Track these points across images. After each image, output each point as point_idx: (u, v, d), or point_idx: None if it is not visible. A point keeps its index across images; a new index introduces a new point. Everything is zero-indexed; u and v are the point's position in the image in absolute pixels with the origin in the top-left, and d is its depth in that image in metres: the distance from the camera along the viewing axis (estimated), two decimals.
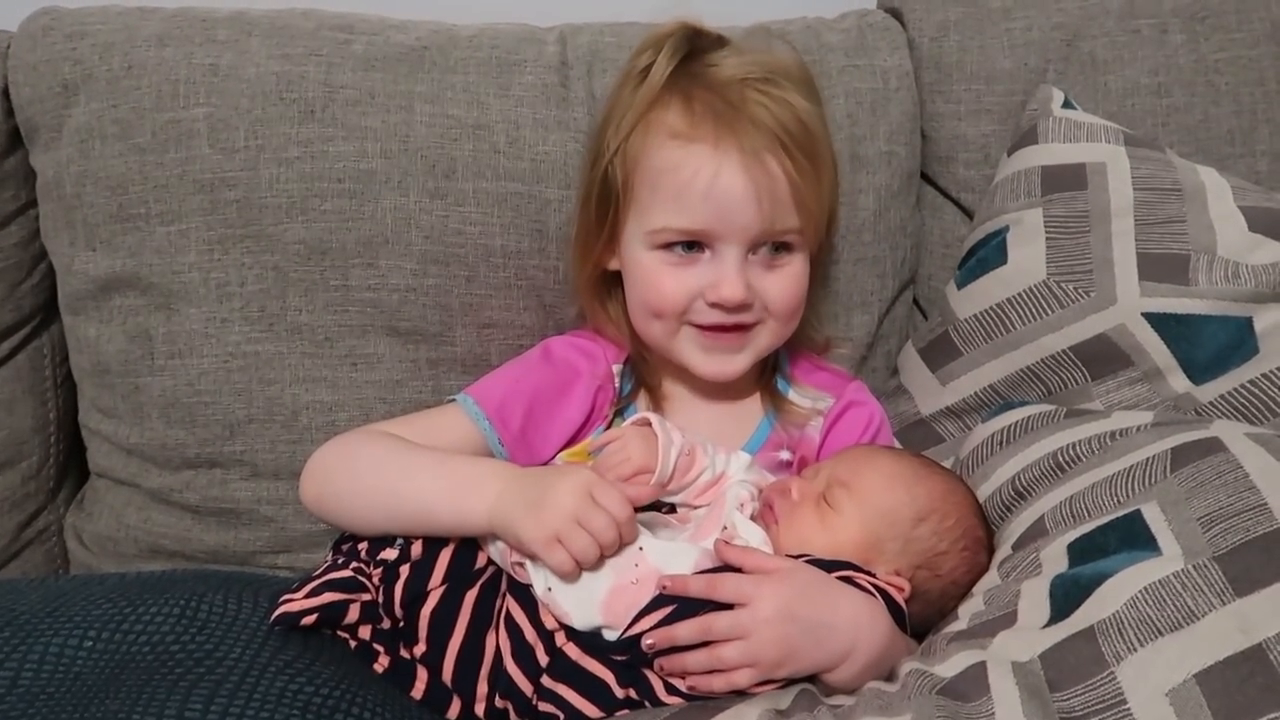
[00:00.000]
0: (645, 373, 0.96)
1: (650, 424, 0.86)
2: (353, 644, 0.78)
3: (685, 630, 0.73)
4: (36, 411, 1.09)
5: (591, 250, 0.94)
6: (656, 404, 0.95)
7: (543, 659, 0.76)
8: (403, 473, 0.83)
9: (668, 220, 0.87)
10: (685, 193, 0.85)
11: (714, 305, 0.87)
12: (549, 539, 0.74)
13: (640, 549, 0.77)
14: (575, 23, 1.10)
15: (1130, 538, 0.71)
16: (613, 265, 0.94)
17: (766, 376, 0.97)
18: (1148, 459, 0.78)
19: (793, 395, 0.97)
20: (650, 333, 0.92)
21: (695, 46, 0.90)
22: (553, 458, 0.92)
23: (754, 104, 0.85)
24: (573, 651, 0.76)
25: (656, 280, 0.89)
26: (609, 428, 0.93)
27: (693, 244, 0.88)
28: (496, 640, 0.78)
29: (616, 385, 0.94)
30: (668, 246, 0.88)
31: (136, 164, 0.99)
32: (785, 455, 0.95)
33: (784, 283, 0.89)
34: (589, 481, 0.76)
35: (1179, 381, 0.92)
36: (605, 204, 0.91)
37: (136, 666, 0.70)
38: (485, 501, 0.78)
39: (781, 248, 0.89)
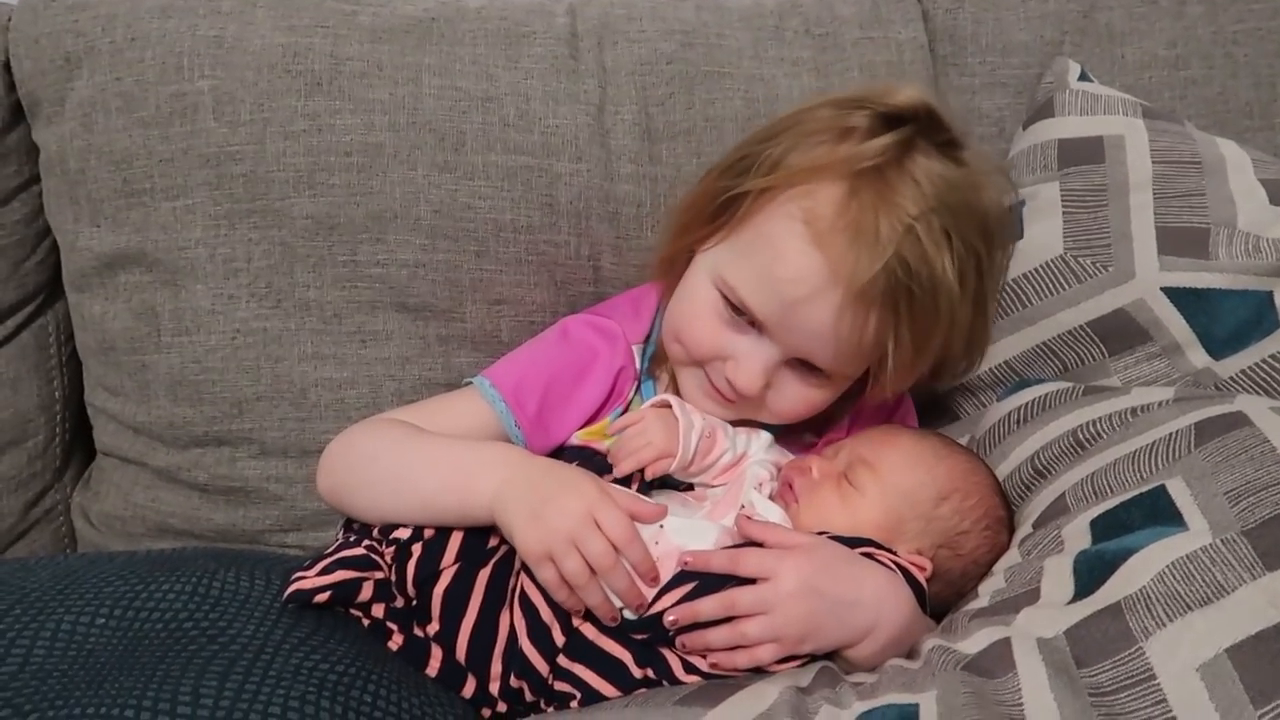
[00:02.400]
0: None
1: (670, 406, 0.85)
2: (366, 622, 0.77)
3: (708, 606, 0.73)
4: (42, 390, 1.08)
5: (688, 235, 0.87)
6: (675, 379, 0.94)
7: (559, 639, 0.76)
8: (408, 466, 0.82)
9: (740, 287, 0.81)
10: (773, 287, 0.79)
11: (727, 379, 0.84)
12: (542, 555, 0.73)
13: (660, 526, 0.77)
14: None
15: (1155, 513, 0.71)
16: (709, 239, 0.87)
17: None
18: (1170, 434, 0.77)
19: None
20: (668, 347, 0.89)
21: (923, 133, 0.80)
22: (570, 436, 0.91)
23: (903, 249, 0.76)
24: (589, 631, 0.76)
25: (697, 319, 0.84)
26: (629, 405, 0.92)
27: (745, 319, 0.82)
28: (511, 619, 0.78)
29: (638, 365, 0.93)
30: (727, 300, 0.83)
31: (141, 138, 0.98)
32: (808, 436, 0.94)
33: (798, 397, 0.85)
34: (594, 502, 0.74)
35: (1198, 356, 0.91)
36: (719, 212, 0.85)
37: (150, 644, 0.70)
38: (487, 494, 0.77)
39: (821, 371, 0.83)
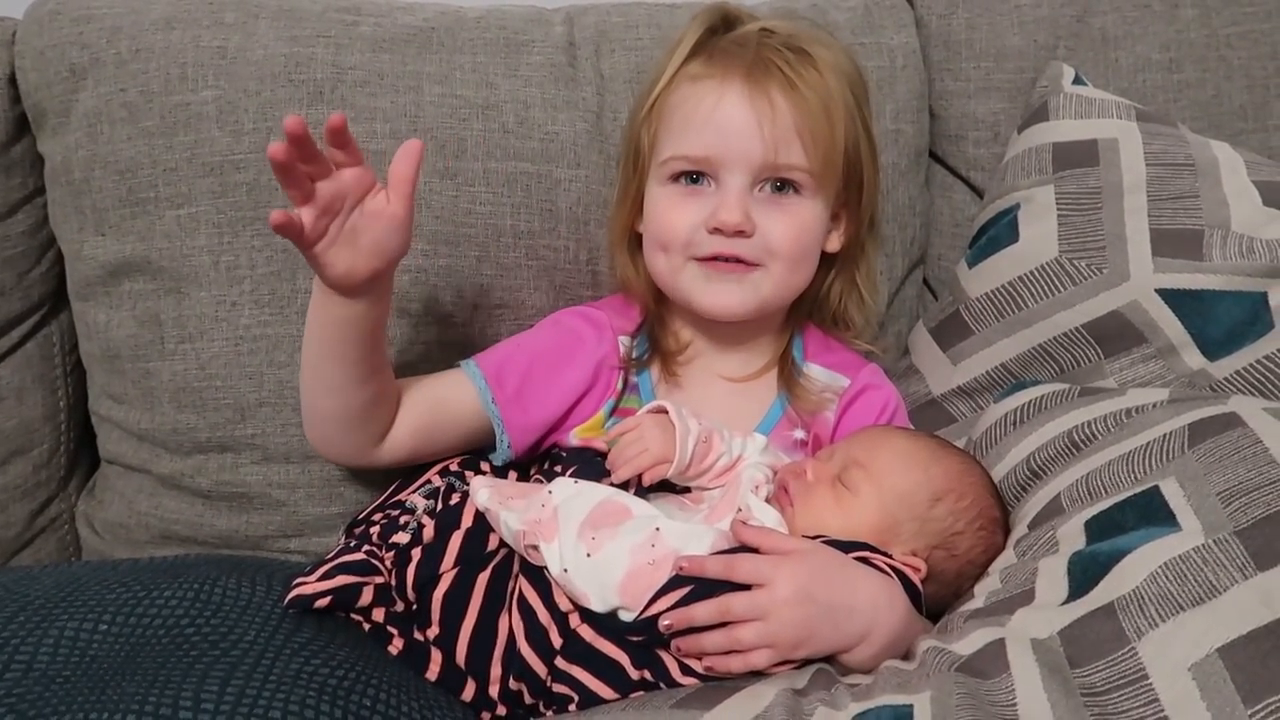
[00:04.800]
0: (662, 338, 0.96)
1: (667, 412, 0.85)
2: (366, 627, 0.78)
3: (703, 611, 0.73)
4: (47, 399, 1.09)
5: (624, 208, 0.96)
6: (669, 374, 0.95)
7: (556, 641, 0.77)
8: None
9: (674, 149, 0.89)
10: (690, 121, 0.88)
11: (714, 231, 0.87)
12: None
13: (657, 530, 0.77)
14: (582, 3, 1.10)
15: (1149, 514, 0.71)
16: (640, 226, 0.95)
17: (783, 358, 0.97)
18: (1165, 435, 0.78)
19: (807, 372, 0.97)
20: (659, 270, 0.92)
21: (731, 18, 0.92)
22: (559, 427, 0.92)
23: (767, 48, 0.87)
24: (587, 633, 0.76)
25: (664, 211, 0.90)
26: (623, 397, 0.93)
27: (700, 176, 0.89)
28: (510, 622, 0.78)
29: (623, 354, 0.94)
30: (676, 179, 0.90)
31: (145, 148, 0.99)
32: (800, 434, 0.95)
33: (787, 221, 0.88)
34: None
35: (1193, 358, 0.91)
36: (635, 163, 0.94)
37: (151, 650, 0.70)
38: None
39: (789, 187, 0.89)
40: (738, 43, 0.89)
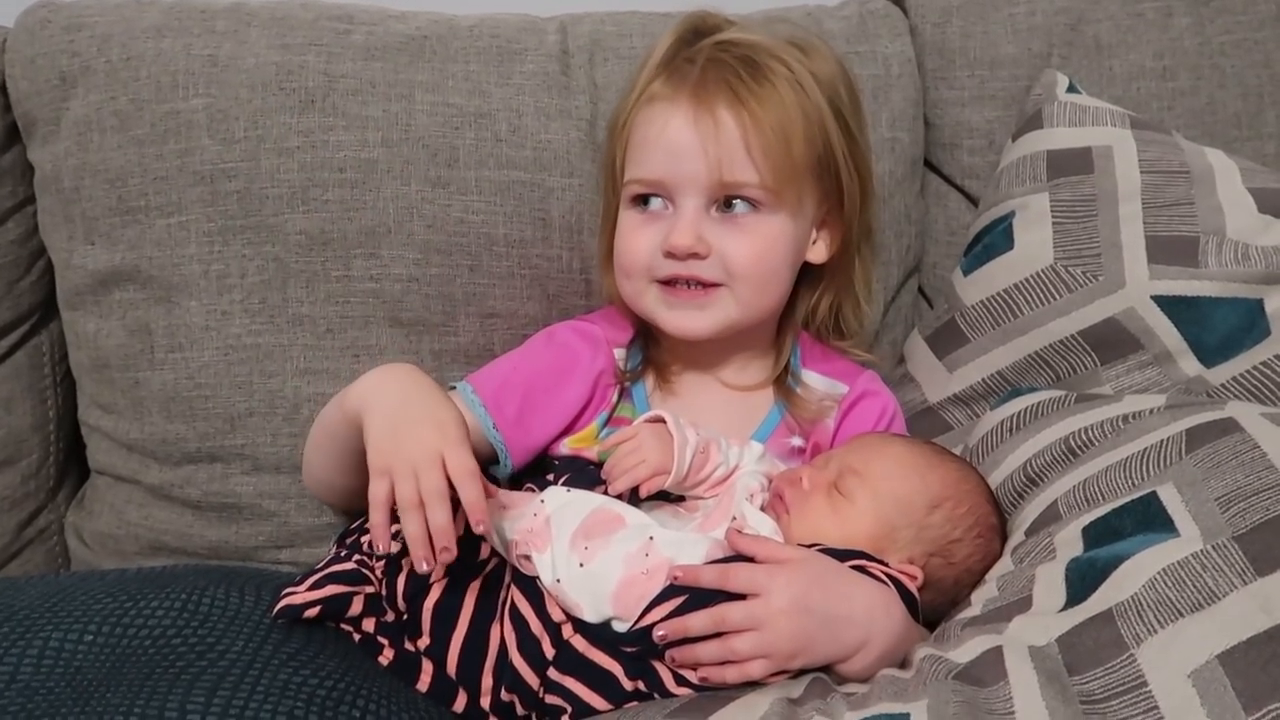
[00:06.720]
0: (654, 351, 0.95)
1: (664, 421, 0.85)
2: (356, 637, 0.78)
3: (698, 621, 0.72)
4: (36, 409, 1.08)
5: (607, 225, 0.95)
6: (664, 382, 0.95)
7: (549, 651, 0.76)
8: (324, 410, 0.87)
9: (632, 172, 0.89)
10: (644, 144, 0.88)
11: (668, 255, 0.87)
12: (383, 470, 0.73)
13: (651, 539, 0.76)
14: (575, 12, 1.10)
15: (1147, 520, 0.71)
16: None
17: (779, 366, 0.96)
18: (1162, 441, 0.77)
19: (805, 380, 0.96)
20: (625, 293, 0.92)
21: (703, 28, 0.91)
22: (554, 442, 0.92)
23: (718, 64, 0.86)
24: (580, 643, 0.75)
25: (625, 237, 0.90)
26: (617, 406, 0.93)
27: (656, 199, 0.88)
28: (501, 633, 0.77)
29: (619, 367, 0.94)
30: (636, 203, 0.90)
31: (136, 156, 0.99)
32: (797, 441, 0.94)
33: (746, 241, 0.86)
34: (447, 444, 0.74)
35: (1190, 364, 0.91)
36: (612, 180, 0.94)
37: (137, 660, 0.69)
38: (358, 393, 0.80)
39: (745, 205, 0.87)
40: (689, 60, 0.87)
